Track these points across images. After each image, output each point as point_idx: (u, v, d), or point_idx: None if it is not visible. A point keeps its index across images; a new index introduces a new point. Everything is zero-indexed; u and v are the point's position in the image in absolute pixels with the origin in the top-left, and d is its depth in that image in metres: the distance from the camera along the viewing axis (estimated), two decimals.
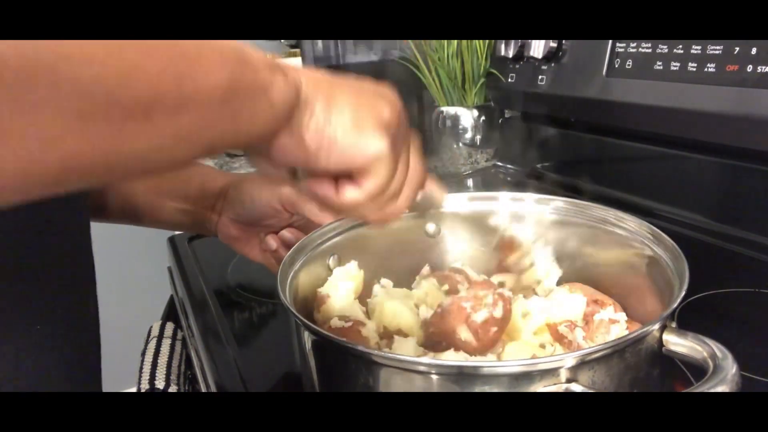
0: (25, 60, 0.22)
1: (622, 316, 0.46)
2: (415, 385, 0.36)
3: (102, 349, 0.57)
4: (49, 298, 0.48)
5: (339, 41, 1.10)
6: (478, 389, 0.34)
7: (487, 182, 1.07)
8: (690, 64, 0.72)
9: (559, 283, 0.53)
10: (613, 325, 0.45)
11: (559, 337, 0.46)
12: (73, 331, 0.51)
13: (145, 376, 0.65)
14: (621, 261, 0.51)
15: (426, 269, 0.59)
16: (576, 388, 0.34)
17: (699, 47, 0.71)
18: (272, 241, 0.61)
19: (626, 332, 0.45)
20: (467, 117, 1.12)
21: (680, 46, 0.73)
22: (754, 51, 0.65)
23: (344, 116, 0.37)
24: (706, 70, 0.70)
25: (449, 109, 1.12)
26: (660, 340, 0.37)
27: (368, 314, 0.52)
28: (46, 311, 0.47)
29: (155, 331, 0.74)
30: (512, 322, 0.46)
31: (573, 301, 0.47)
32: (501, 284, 0.55)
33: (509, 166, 1.10)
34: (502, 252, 0.58)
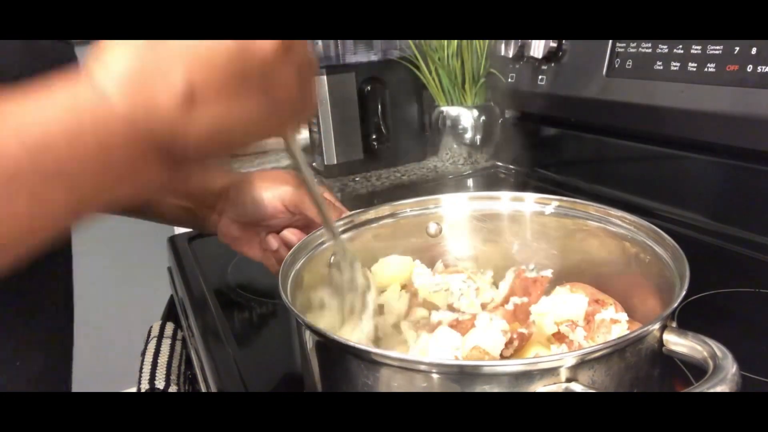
0: None
1: (623, 316, 0.46)
2: (416, 384, 0.36)
3: (102, 349, 0.57)
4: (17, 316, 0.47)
5: (339, 41, 1.10)
6: (478, 389, 0.34)
7: (487, 182, 1.07)
8: (690, 64, 0.72)
9: (561, 282, 0.53)
10: (615, 325, 0.45)
11: (560, 337, 0.46)
12: (37, 352, 0.50)
13: (145, 376, 0.65)
14: (621, 261, 0.51)
15: (440, 265, 0.59)
16: (576, 387, 0.34)
17: (699, 47, 0.71)
18: (273, 241, 0.61)
19: (627, 332, 0.45)
20: (467, 117, 1.12)
21: (680, 46, 0.73)
22: (754, 51, 0.65)
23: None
24: (706, 70, 0.70)
25: (449, 109, 1.12)
26: (660, 340, 0.37)
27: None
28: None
29: (155, 331, 0.74)
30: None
31: (575, 301, 0.47)
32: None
33: (509, 166, 1.10)
34: None
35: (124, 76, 0.29)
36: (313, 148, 1.14)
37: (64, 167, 0.29)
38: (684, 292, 0.39)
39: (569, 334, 0.45)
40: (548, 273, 0.53)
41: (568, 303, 0.47)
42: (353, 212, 0.58)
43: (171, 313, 0.82)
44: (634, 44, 0.80)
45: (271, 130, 0.35)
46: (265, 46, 0.31)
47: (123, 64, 0.30)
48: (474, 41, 1.06)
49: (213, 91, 0.30)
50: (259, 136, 0.35)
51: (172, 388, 0.64)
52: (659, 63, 0.76)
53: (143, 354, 0.70)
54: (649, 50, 0.77)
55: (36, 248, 0.31)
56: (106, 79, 0.30)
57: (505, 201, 0.58)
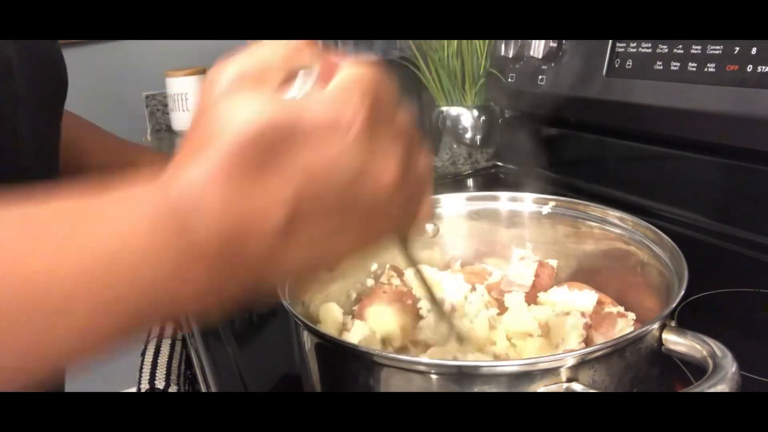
0: None
1: (631, 315, 0.46)
2: (415, 384, 0.36)
3: None
4: None
5: (339, 41, 1.10)
6: (477, 389, 0.34)
7: (487, 182, 1.07)
8: (690, 64, 0.72)
9: (559, 283, 0.53)
10: (620, 319, 0.45)
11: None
12: None
13: (145, 376, 0.65)
14: (621, 261, 0.51)
15: (457, 264, 0.59)
16: (576, 387, 0.34)
17: (699, 47, 0.71)
18: None
19: (630, 328, 0.45)
20: (467, 117, 1.12)
21: (680, 46, 0.73)
22: (754, 51, 0.65)
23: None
24: (706, 70, 0.70)
25: (449, 109, 1.12)
26: (660, 339, 0.37)
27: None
28: None
29: (155, 331, 0.74)
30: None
31: (584, 296, 0.47)
32: (488, 274, 0.56)
33: (509, 166, 1.10)
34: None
35: (216, 198, 0.24)
36: None
37: (123, 292, 0.24)
38: (682, 292, 0.39)
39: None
40: (554, 262, 0.54)
41: (578, 297, 0.48)
42: None
43: None
44: (634, 44, 0.80)
45: (366, 246, 0.31)
46: (381, 182, 0.27)
47: (219, 195, 0.24)
48: (474, 41, 1.06)
49: (314, 222, 0.26)
50: (351, 256, 0.31)
51: (172, 388, 0.64)
52: (659, 63, 0.76)
53: (143, 354, 0.69)
54: (649, 50, 0.77)
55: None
56: (192, 202, 0.25)
57: (504, 201, 0.58)
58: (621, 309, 0.47)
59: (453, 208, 0.59)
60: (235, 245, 0.25)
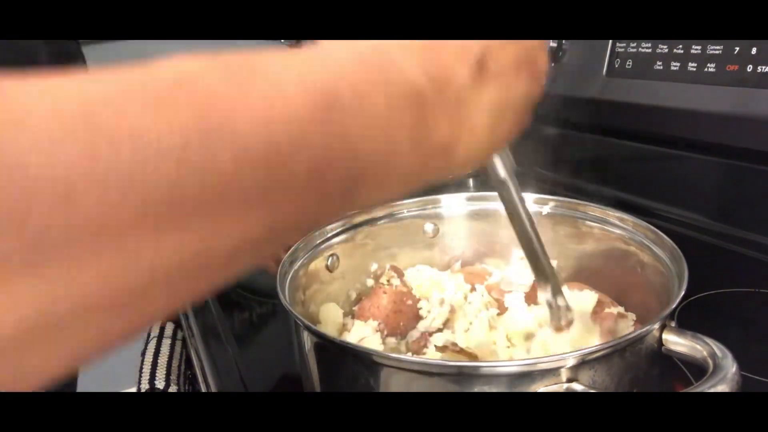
0: None
1: (631, 315, 0.46)
2: (415, 384, 0.36)
3: None
4: None
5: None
6: (477, 389, 0.34)
7: (487, 182, 1.07)
8: (690, 64, 0.72)
9: None
10: (620, 319, 0.45)
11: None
12: None
13: (145, 376, 0.65)
14: (620, 261, 0.51)
15: (457, 264, 0.59)
16: (577, 387, 0.34)
17: (699, 47, 0.71)
18: None
19: (630, 328, 0.45)
20: None
21: (680, 46, 0.73)
22: (754, 51, 0.65)
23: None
24: (706, 70, 0.70)
25: None
26: (660, 340, 0.37)
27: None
28: None
29: (155, 331, 0.74)
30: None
31: (584, 297, 0.47)
32: (488, 274, 0.56)
33: None
34: None
35: (413, 42, 0.27)
36: None
37: (349, 128, 0.22)
38: (682, 293, 0.39)
39: None
40: (554, 263, 0.54)
41: (578, 297, 0.48)
42: (350, 213, 0.58)
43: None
44: (634, 44, 0.80)
45: (520, 122, 0.36)
46: (538, 65, 0.34)
47: (417, 43, 0.27)
48: None
49: (500, 65, 0.30)
50: (518, 124, 0.35)
51: (172, 388, 0.64)
52: (659, 63, 0.76)
53: (143, 354, 0.69)
54: (649, 50, 0.77)
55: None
56: (391, 43, 0.27)
57: None
58: (621, 309, 0.48)
59: (453, 208, 0.59)
60: (439, 81, 0.27)
